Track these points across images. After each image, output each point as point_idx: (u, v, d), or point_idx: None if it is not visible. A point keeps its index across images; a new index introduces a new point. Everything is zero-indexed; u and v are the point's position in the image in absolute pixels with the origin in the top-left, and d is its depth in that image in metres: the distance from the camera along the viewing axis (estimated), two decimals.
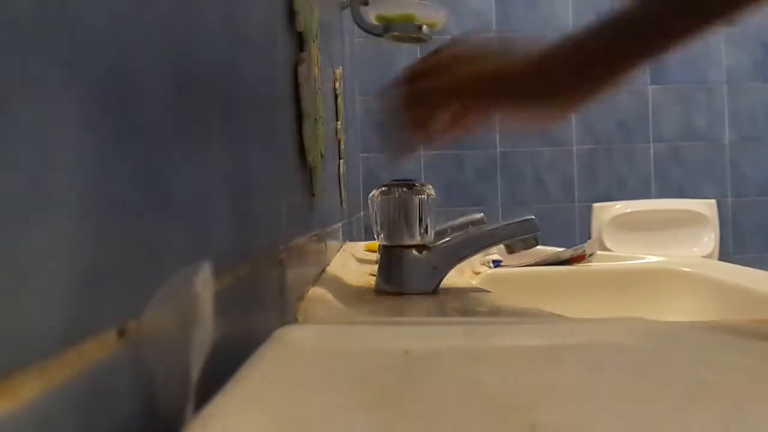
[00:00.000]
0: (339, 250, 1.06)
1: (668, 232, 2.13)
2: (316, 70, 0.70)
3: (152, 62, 0.23)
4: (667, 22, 0.58)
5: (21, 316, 0.15)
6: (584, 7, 2.31)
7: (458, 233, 0.69)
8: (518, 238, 0.70)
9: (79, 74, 0.18)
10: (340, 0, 1.10)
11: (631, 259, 1.06)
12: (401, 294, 0.66)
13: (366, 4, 1.04)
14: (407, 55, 2.28)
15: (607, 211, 2.18)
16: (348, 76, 1.58)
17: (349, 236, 1.40)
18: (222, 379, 0.22)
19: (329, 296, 0.63)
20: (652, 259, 1.04)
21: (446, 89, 0.58)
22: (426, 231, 0.66)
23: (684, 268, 0.95)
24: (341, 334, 0.30)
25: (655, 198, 2.32)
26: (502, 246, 0.72)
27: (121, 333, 0.20)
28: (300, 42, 0.63)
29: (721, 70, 2.37)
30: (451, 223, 0.71)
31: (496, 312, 0.57)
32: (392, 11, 1.03)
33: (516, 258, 0.71)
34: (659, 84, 2.34)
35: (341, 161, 1.13)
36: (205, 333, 0.21)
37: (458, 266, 0.71)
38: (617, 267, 1.02)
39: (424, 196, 0.66)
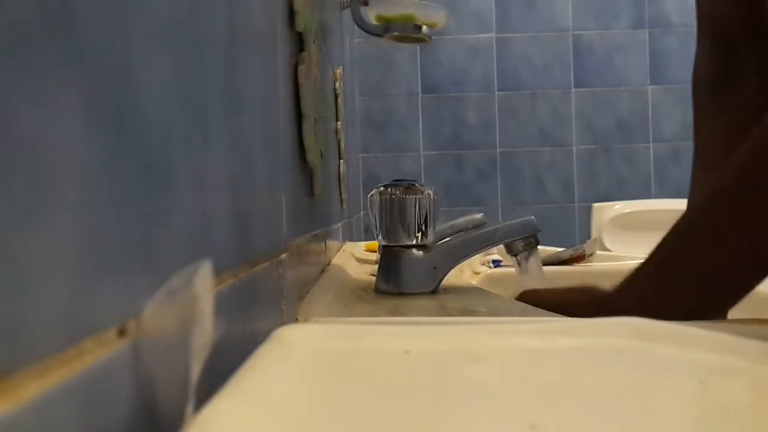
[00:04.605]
0: (339, 250, 1.06)
1: None
2: (316, 70, 0.70)
3: (152, 61, 0.23)
4: None
5: (21, 315, 0.15)
6: (584, 8, 2.31)
7: (458, 233, 0.69)
8: (518, 238, 0.70)
9: (79, 73, 0.18)
10: (340, 0, 1.10)
11: (631, 259, 1.06)
12: (401, 294, 0.66)
13: (366, 4, 1.04)
14: (407, 55, 2.29)
15: (607, 211, 2.18)
16: (348, 76, 1.58)
17: (349, 236, 1.40)
18: (222, 379, 0.22)
19: (329, 296, 0.63)
20: None
21: None
22: (425, 231, 0.66)
23: None
24: (341, 334, 0.30)
25: (655, 198, 2.32)
26: (502, 246, 0.72)
27: (121, 332, 0.20)
28: (300, 42, 0.63)
29: None
30: (451, 223, 0.71)
31: (496, 312, 0.57)
32: (392, 11, 1.03)
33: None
34: (659, 84, 2.34)
35: (341, 161, 1.13)
36: (205, 333, 0.21)
37: (458, 266, 0.71)
38: (617, 267, 1.02)
39: (424, 197, 0.66)
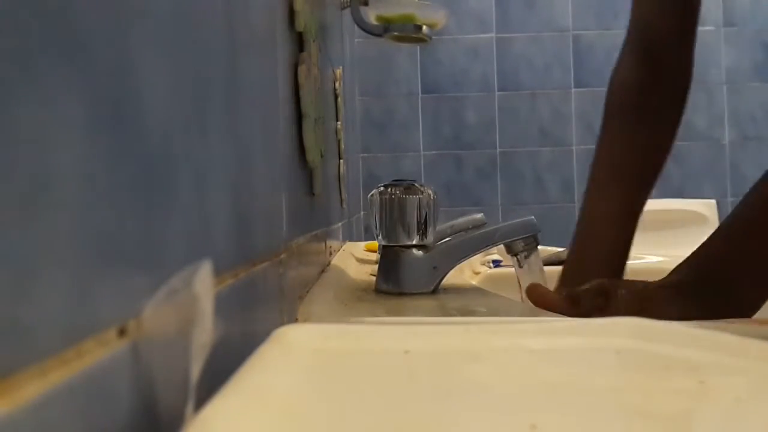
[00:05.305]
0: (339, 250, 1.06)
1: (668, 232, 2.12)
2: (316, 70, 0.70)
3: (152, 61, 0.23)
4: None
5: (21, 315, 0.15)
6: (584, 8, 2.30)
7: (458, 233, 0.69)
8: (518, 238, 0.70)
9: (80, 73, 0.18)
10: (341, 0, 1.10)
11: (630, 259, 1.06)
12: (401, 294, 0.66)
13: (366, 4, 1.04)
14: (407, 55, 2.29)
15: None
16: (348, 76, 1.58)
17: (349, 236, 1.40)
18: (222, 379, 0.22)
19: (329, 296, 0.63)
20: (652, 259, 1.04)
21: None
22: (425, 231, 0.66)
23: None
24: (341, 333, 0.30)
25: (654, 198, 2.32)
26: (502, 246, 0.72)
27: (121, 333, 0.20)
28: (300, 42, 0.63)
29: (720, 70, 2.37)
30: (451, 223, 0.71)
31: (496, 312, 0.57)
32: (392, 12, 1.03)
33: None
34: None
35: (341, 161, 1.13)
36: (204, 333, 0.21)
37: (458, 266, 0.71)
38: None
39: (424, 197, 0.66)
